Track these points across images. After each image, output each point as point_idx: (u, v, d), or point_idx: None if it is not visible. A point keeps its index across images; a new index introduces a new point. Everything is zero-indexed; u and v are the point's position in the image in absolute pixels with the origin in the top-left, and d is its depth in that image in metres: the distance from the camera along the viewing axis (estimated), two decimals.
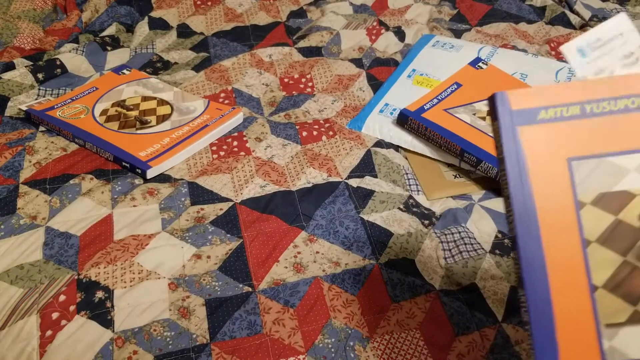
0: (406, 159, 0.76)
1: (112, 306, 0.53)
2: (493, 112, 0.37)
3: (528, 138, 0.36)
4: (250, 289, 0.55)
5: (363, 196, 0.67)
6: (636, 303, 0.34)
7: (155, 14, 1.09)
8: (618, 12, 1.13)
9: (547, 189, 0.36)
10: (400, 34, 1.04)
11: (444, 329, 0.53)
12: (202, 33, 1.05)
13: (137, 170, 0.69)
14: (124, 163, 0.71)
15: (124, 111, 0.80)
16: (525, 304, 0.34)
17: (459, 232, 0.63)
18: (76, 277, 0.56)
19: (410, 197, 0.69)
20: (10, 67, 0.91)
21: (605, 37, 0.39)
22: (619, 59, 0.39)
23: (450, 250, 0.61)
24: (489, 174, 0.69)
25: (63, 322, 0.52)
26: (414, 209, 0.67)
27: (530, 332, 0.34)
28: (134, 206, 0.64)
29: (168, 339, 0.50)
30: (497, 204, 0.68)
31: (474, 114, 0.77)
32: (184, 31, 1.06)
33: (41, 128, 0.78)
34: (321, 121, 0.80)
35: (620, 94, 0.36)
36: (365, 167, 0.72)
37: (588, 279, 0.34)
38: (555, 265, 0.35)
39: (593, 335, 0.34)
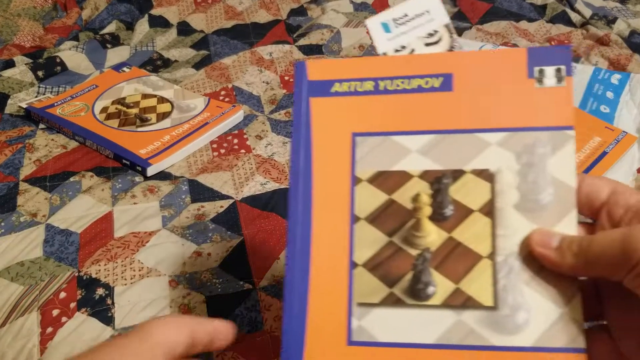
0: None
1: (113, 303, 0.53)
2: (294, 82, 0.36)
3: (318, 110, 0.36)
4: (251, 286, 0.55)
5: None
6: (392, 285, 0.33)
7: (155, 11, 1.09)
8: (619, 10, 1.13)
9: (327, 162, 0.35)
10: None
11: None
12: (202, 31, 1.05)
13: (138, 167, 0.69)
14: (124, 160, 0.71)
15: (124, 109, 0.80)
16: (285, 273, 0.34)
17: None
18: (76, 274, 0.56)
19: None
20: (10, 64, 0.91)
21: (412, 13, 0.38)
22: (422, 37, 0.38)
23: None
24: None
25: (64, 319, 0.51)
26: None
27: (283, 299, 0.33)
28: (135, 203, 0.64)
29: None
30: None
31: None
32: (184, 29, 1.05)
33: (41, 125, 0.78)
34: None
35: (415, 73, 0.35)
36: None
37: (350, 256, 0.33)
38: (320, 239, 0.34)
39: (344, 312, 0.33)
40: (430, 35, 0.39)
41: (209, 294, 0.54)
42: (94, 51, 0.97)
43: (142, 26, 1.05)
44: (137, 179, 0.69)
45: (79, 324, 0.51)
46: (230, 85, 0.87)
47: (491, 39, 1.03)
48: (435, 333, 0.31)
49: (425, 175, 0.34)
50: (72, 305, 0.53)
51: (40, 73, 0.89)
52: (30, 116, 0.80)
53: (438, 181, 0.34)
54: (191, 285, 0.55)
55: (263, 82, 0.89)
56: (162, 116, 0.79)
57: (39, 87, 0.87)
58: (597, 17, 1.09)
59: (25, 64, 0.89)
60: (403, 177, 0.34)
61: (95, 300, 0.53)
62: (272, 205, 0.65)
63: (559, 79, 0.33)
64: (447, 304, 0.32)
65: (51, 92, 0.87)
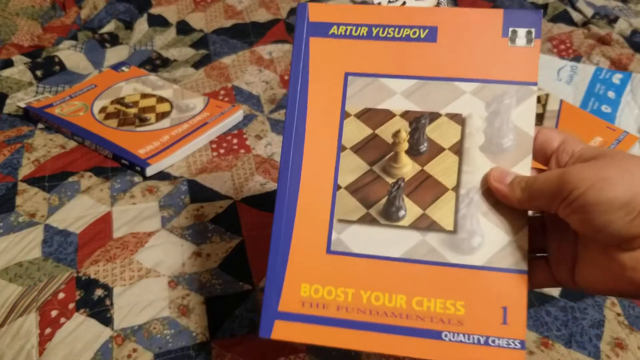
0: None
1: (112, 304, 0.53)
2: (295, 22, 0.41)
3: (316, 49, 0.40)
4: (250, 287, 0.55)
5: None
6: (369, 207, 0.38)
7: (154, 10, 1.09)
8: (620, 10, 1.12)
9: (321, 96, 0.39)
10: None
11: None
12: (201, 30, 1.04)
13: (137, 168, 0.69)
14: (123, 161, 0.70)
15: (123, 108, 0.80)
16: (277, 190, 0.39)
17: None
18: (75, 275, 0.55)
19: None
20: (8, 64, 0.90)
21: None
22: None
23: None
24: None
25: (62, 319, 0.51)
26: None
27: (274, 211, 0.39)
28: (134, 204, 0.64)
29: (168, 337, 0.50)
30: None
31: None
32: (184, 28, 1.05)
33: (40, 125, 0.78)
34: None
35: (405, 23, 0.39)
36: None
37: (335, 179, 0.38)
38: (309, 163, 0.39)
39: (326, 227, 0.38)
40: None
41: (209, 295, 0.54)
42: (92, 50, 0.96)
43: (141, 25, 1.05)
44: (136, 179, 0.68)
45: (78, 325, 0.51)
46: (229, 85, 0.87)
47: None
48: (402, 249, 0.37)
49: (406, 114, 0.39)
50: (71, 306, 0.52)
51: (38, 73, 0.89)
52: (29, 116, 0.79)
53: (417, 121, 0.39)
54: (190, 286, 0.55)
55: (263, 81, 0.89)
56: (161, 116, 0.78)
57: (38, 86, 0.87)
58: (599, 16, 1.09)
59: (24, 64, 0.89)
60: (387, 115, 0.39)
61: (94, 301, 0.53)
62: (272, 206, 0.64)
63: (529, 40, 0.37)
64: (414, 226, 0.37)
65: (50, 91, 0.87)
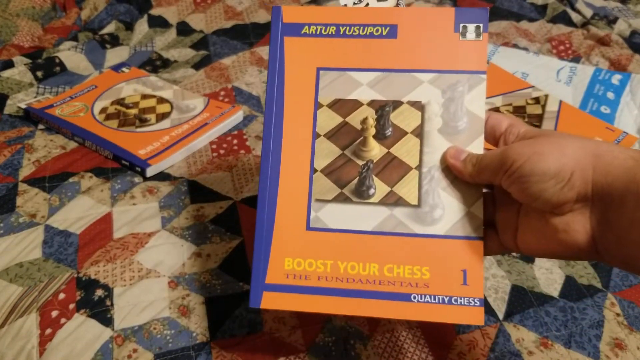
0: None
1: (112, 304, 0.53)
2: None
3: (290, 47, 0.44)
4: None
5: None
6: (343, 187, 0.43)
7: (154, 11, 1.09)
8: (619, 10, 1.13)
9: (296, 91, 0.44)
10: None
11: (445, 327, 0.53)
12: (201, 31, 1.04)
13: (137, 168, 0.69)
14: (123, 161, 0.70)
15: (124, 109, 0.80)
16: (260, 178, 0.43)
17: None
18: (75, 276, 0.55)
19: None
20: (9, 65, 0.90)
21: None
22: None
23: None
24: None
25: (63, 320, 0.51)
26: None
27: (258, 197, 0.43)
28: (134, 204, 0.64)
29: (168, 337, 0.50)
30: None
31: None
32: (184, 29, 1.05)
33: (40, 126, 0.78)
34: None
35: (368, 22, 0.44)
36: None
37: (311, 163, 0.43)
38: (288, 150, 0.43)
39: (304, 206, 0.42)
40: None
41: (209, 295, 0.54)
42: (93, 51, 0.96)
43: (142, 26, 1.05)
44: (137, 179, 0.68)
45: (78, 325, 0.51)
46: (229, 86, 0.87)
47: (491, 39, 1.03)
48: (373, 223, 0.42)
49: (372, 103, 0.44)
50: (71, 306, 0.53)
51: (39, 73, 0.89)
52: (29, 117, 0.80)
53: (382, 108, 0.43)
54: (190, 287, 0.55)
55: (263, 82, 0.89)
56: (162, 117, 0.78)
57: (38, 87, 0.87)
58: (598, 17, 1.09)
59: (24, 65, 0.89)
60: (355, 104, 0.44)
61: (95, 302, 0.53)
62: None
63: (478, 34, 0.42)
64: (383, 202, 0.42)
65: (50, 92, 0.87)
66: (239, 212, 0.63)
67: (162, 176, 0.70)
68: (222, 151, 0.74)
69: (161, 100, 0.82)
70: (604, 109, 0.82)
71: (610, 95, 0.83)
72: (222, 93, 0.86)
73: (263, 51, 0.95)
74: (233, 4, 1.10)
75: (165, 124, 0.77)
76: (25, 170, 0.69)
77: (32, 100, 0.82)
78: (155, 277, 0.56)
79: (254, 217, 0.63)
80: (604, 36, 1.00)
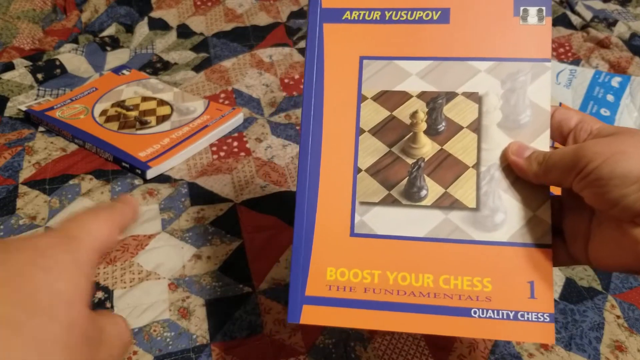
0: None
1: (112, 306, 0.53)
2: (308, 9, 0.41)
3: (330, 34, 0.40)
4: (250, 290, 0.55)
5: None
6: (390, 188, 0.38)
7: (155, 14, 1.09)
8: (619, 13, 1.13)
9: (336, 82, 0.40)
10: None
11: None
12: (202, 33, 1.05)
13: (137, 170, 0.69)
14: (123, 163, 0.71)
15: (124, 111, 0.80)
16: (297, 176, 0.39)
17: None
18: None
19: None
20: (9, 67, 0.90)
21: None
22: None
23: None
24: None
25: None
26: None
27: (295, 200, 0.38)
28: None
29: (168, 340, 0.50)
30: None
31: None
32: (184, 32, 1.05)
33: (40, 128, 0.78)
34: None
35: (417, 6, 0.40)
36: None
37: (355, 162, 0.39)
38: (329, 147, 0.39)
39: (348, 210, 0.38)
40: None
41: (209, 297, 0.54)
42: (93, 54, 0.96)
43: (142, 29, 1.05)
44: (137, 181, 0.68)
45: None
46: (230, 88, 0.87)
47: None
48: (426, 228, 0.37)
49: (422, 95, 0.39)
50: None
51: (39, 76, 0.89)
52: (30, 119, 0.80)
53: (433, 101, 0.39)
54: (191, 289, 0.55)
55: (263, 84, 0.89)
56: (162, 119, 0.78)
57: (39, 89, 0.87)
58: (598, 19, 1.09)
59: (25, 67, 0.89)
60: (403, 96, 0.39)
61: (95, 304, 0.53)
62: (272, 209, 0.65)
63: (540, 18, 0.38)
64: (436, 205, 0.37)
65: (50, 94, 0.87)
66: (239, 214, 0.63)
67: (162, 178, 0.70)
68: (222, 153, 0.74)
69: (161, 103, 0.82)
70: (604, 112, 0.82)
71: (610, 97, 0.83)
72: (223, 95, 0.86)
73: (263, 53, 0.95)
74: (233, 6, 1.11)
75: (166, 126, 0.77)
76: (26, 173, 0.69)
77: (33, 103, 0.82)
78: (156, 279, 0.56)
79: (254, 219, 0.63)
80: (604, 39, 1.00)
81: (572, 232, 0.36)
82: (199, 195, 0.66)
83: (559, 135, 0.37)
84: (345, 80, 0.40)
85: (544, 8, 0.38)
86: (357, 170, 0.39)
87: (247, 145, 0.75)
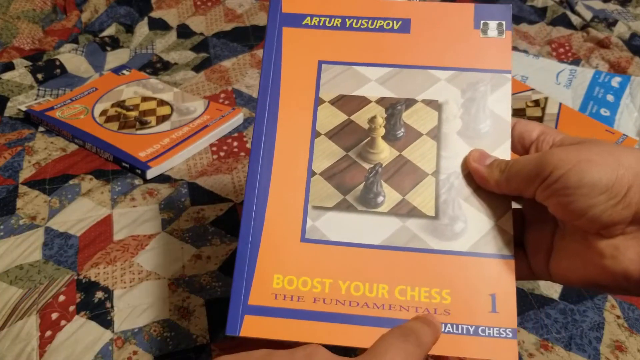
0: None
1: (112, 307, 0.53)
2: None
3: (289, 39, 0.40)
4: None
5: None
6: (346, 193, 0.37)
7: (155, 14, 1.09)
8: (619, 13, 1.13)
9: (293, 85, 0.39)
10: None
11: None
12: (202, 33, 1.05)
13: (137, 170, 0.69)
14: (123, 163, 0.71)
15: (124, 111, 0.80)
16: (247, 177, 0.37)
17: None
18: (76, 278, 0.55)
19: None
20: (9, 67, 0.90)
21: None
22: None
23: None
24: None
25: (63, 322, 0.51)
26: None
27: (244, 199, 0.37)
28: (134, 206, 0.64)
29: (168, 340, 0.50)
30: None
31: None
32: (184, 32, 1.05)
33: (40, 128, 0.78)
34: None
35: (378, 15, 0.40)
36: None
37: (309, 165, 0.37)
38: (282, 149, 0.38)
39: (300, 214, 0.36)
40: None
41: (209, 298, 0.54)
42: (93, 54, 0.97)
43: (142, 29, 1.05)
44: (137, 182, 0.68)
45: (78, 328, 0.51)
46: (230, 88, 0.87)
47: None
48: (382, 236, 0.36)
49: (381, 101, 0.39)
50: (71, 308, 0.53)
51: (39, 76, 0.89)
52: (30, 119, 0.80)
53: (392, 107, 0.39)
54: (190, 289, 0.55)
55: None
56: (162, 119, 0.78)
57: (39, 89, 0.87)
58: (598, 19, 1.09)
59: (25, 67, 0.89)
60: (362, 101, 0.39)
61: (95, 304, 0.53)
62: None
63: (500, 32, 0.39)
64: (393, 212, 0.36)
65: (51, 94, 0.87)
66: (239, 215, 0.63)
67: (162, 178, 0.70)
68: (222, 153, 0.74)
69: (161, 103, 0.82)
70: (604, 112, 0.82)
71: (610, 97, 0.84)
72: (223, 95, 0.86)
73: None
74: (233, 6, 1.11)
75: (166, 126, 0.77)
76: (26, 173, 0.69)
77: (33, 103, 0.82)
78: (155, 279, 0.56)
79: None
80: (604, 39, 1.00)
81: (534, 246, 0.35)
82: (199, 195, 0.66)
83: (521, 147, 0.36)
84: (303, 83, 0.39)
85: (504, 22, 0.39)
86: (312, 173, 0.37)
87: (247, 145, 0.75)
